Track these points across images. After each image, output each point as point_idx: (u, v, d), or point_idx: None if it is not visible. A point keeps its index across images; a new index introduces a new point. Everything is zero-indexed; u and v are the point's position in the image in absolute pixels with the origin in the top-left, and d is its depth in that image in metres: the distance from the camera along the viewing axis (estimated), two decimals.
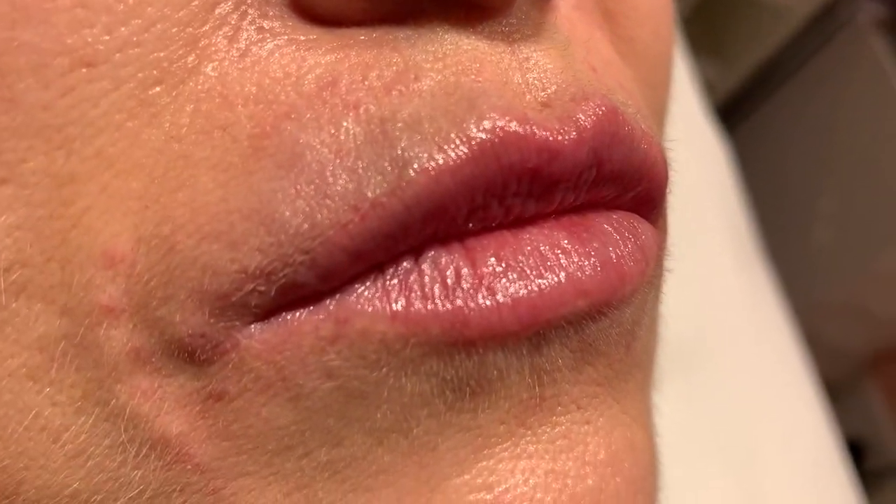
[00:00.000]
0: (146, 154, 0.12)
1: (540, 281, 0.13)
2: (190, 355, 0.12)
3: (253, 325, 0.12)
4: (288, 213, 0.12)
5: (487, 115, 0.12)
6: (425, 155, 0.12)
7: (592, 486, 0.14)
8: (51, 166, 0.12)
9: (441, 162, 0.12)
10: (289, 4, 0.13)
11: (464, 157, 0.12)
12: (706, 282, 0.51)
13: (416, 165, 0.12)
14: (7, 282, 0.12)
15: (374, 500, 0.13)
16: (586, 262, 0.13)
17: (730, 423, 0.48)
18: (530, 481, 0.13)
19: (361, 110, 0.12)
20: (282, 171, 0.12)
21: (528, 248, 0.13)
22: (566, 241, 0.13)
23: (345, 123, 0.12)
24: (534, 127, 0.12)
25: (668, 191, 0.16)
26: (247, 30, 0.12)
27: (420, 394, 0.12)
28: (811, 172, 1.14)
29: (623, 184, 0.14)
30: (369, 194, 0.12)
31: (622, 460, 0.14)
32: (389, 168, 0.12)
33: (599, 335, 0.14)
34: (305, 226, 0.12)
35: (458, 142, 0.12)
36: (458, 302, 0.12)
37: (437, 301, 0.12)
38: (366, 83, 0.12)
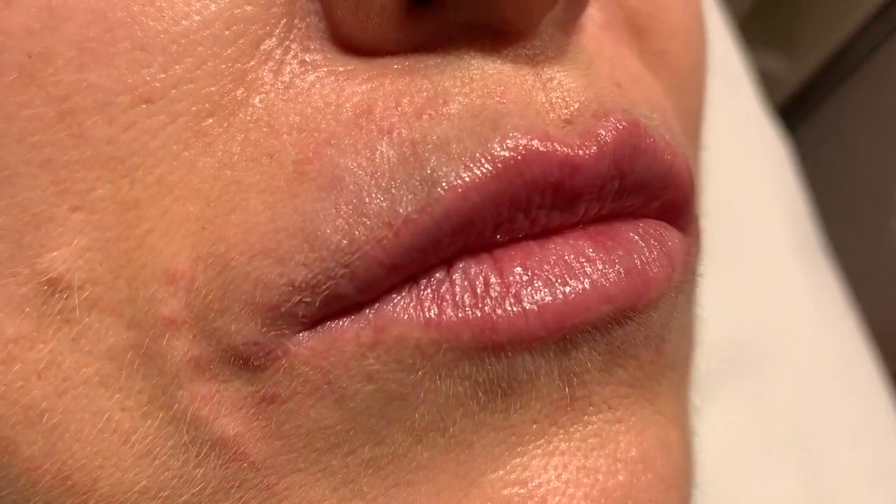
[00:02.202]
0: (202, 180, 0.13)
1: (565, 288, 0.13)
2: (245, 362, 0.13)
3: (301, 334, 0.13)
4: (329, 231, 0.13)
5: (510, 135, 0.13)
6: (453, 173, 0.13)
7: (623, 482, 0.14)
8: (117, 194, 0.13)
9: (467, 179, 0.13)
10: (329, 38, 0.14)
11: (489, 174, 0.13)
12: (767, 282, 0.50)
13: (444, 183, 0.13)
14: (80, 298, 0.13)
15: (415, 494, 0.14)
16: (611, 270, 0.14)
17: (795, 424, 0.47)
18: (563, 477, 0.14)
19: (395, 134, 0.13)
20: (323, 193, 0.13)
21: (554, 257, 0.14)
22: (591, 250, 0.14)
23: (379, 147, 0.13)
24: (555, 143, 0.13)
25: (694, 197, 0.16)
26: (290, 63, 0.13)
27: (454, 395, 0.13)
28: (885, 164, 1.11)
29: (648, 193, 0.15)
30: (402, 211, 0.13)
31: (654, 458, 0.15)
32: (420, 186, 0.13)
33: (627, 338, 0.14)
34: (345, 242, 0.13)
35: (483, 160, 0.13)
36: (487, 309, 0.13)
37: (468, 309, 0.13)
38: (399, 109, 0.13)
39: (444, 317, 0.13)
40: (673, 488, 0.15)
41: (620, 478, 0.14)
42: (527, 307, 0.13)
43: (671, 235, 0.15)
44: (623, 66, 0.16)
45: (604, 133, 0.14)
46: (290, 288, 0.13)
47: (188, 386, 0.13)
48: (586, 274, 0.14)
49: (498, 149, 0.13)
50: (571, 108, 0.14)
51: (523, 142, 0.13)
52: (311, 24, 0.14)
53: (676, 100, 0.18)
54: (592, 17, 0.16)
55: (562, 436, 0.14)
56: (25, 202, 0.13)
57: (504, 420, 0.14)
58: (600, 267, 0.14)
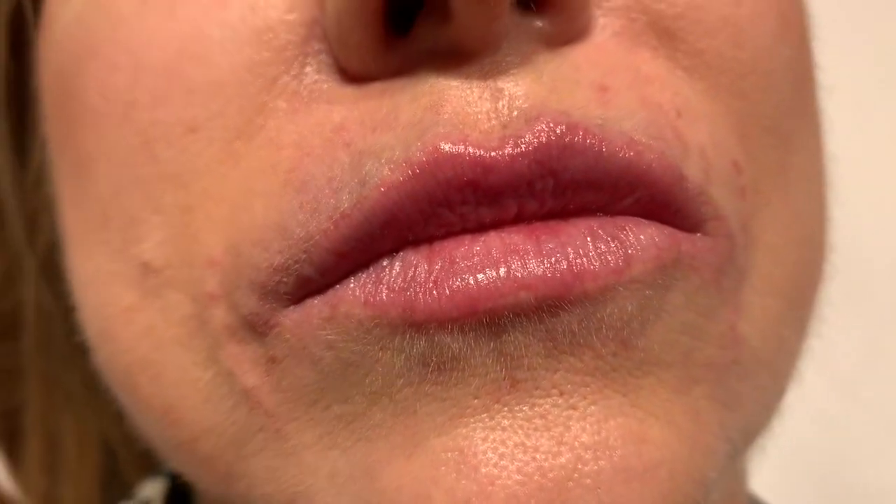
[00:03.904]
0: (230, 189, 0.17)
1: (479, 275, 0.15)
2: (253, 329, 0.17)
3: (288, 308, 0.16)
4: (294, 225, 0.16)
5: (430, 141, 0.15)
6: (378, 176, 0.15)
7: (565, 464, 0.15)
8: (177, 200, 0.18)
9: (390, 180, 0.15)
10: (335, 70, 0.17)
11: (407, 175, 0.15)
12: None
13: (371, 184, 0.15)
14: (162, 278, 0.18)
15: (373, 449, 0.16)
16: (534, 260, 0.15)
17: None
18: (499, 450, 0.15)
19: (352, 146, 0.16)
20: (294, 195, 0.16)
21: (478, 247, 0.15)
22: (520, 243, 0.15)
23: (339, 157, 0.16)
24: (470, 146, 0.15)
25: (688, 194, 0.16)
26: (301, 93, 0.17)
27: (394, 365, 0.16)
28: None
29: (608, 190, 0.16)
30: (341, 207, 0.15)
31: (613, 447, 0.15)
32: (356, 187, 0.15)
33: (568, 328, 0.15)
34: (303, 233, 0.16)
35: (404, 164, 0.15)
36: (410, 292, 0.15)
37: (397, 291, 0.15)
38: (362, 125, 0.16)
39: (378, 297, 0.15)
40: (637, 481, 0.15)
41: (562, 460, 0.15)
42: (443, 290, 0.15)
43: (639, 231, 0.16)
44: (626, 69, 0.17)
45: (528, 135, 0.15)
46: (272, 269, 0.16)
47: (225, 346, 0.17)
48: (506, 263, 0.15)
49: (417, 153, 0.15)
50: (512, 115, 0.15)
51: (442, 146, 0.15)
52: (321, 61, 0.17)
53: (728, 100, 0.18)
54: (604, 25, 0.17)
55: (505, 413, 0.15)
56: (128, 208, 0.18)
57: (444, 392, 0.16)
58: (523, 257, 0.15)
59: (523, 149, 0.15)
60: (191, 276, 0.18)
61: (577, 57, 0.16)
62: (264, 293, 0.16)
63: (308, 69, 0.17)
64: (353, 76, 0.17)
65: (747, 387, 0.18)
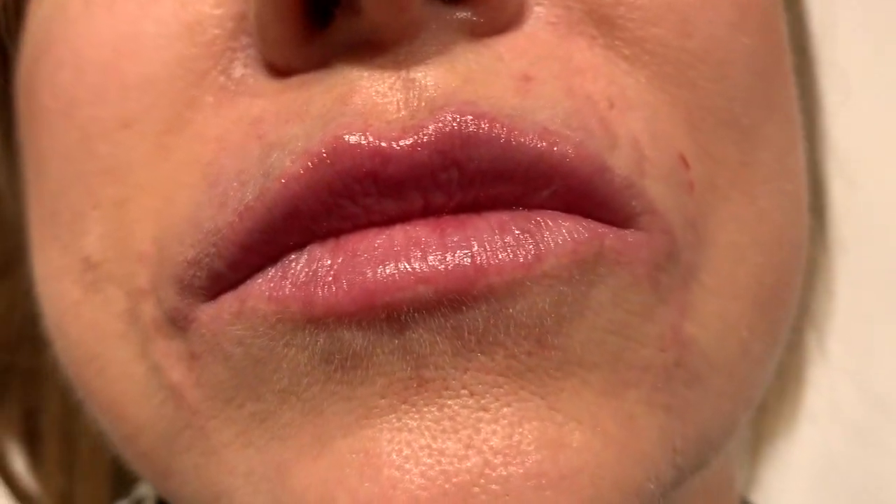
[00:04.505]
0: (161, 181, 0.17)
1: (378, 269, 0.14)
2: (174, 324, 0.17)
3: (205, 303, 0.16)
4: (204, 218, 0.16)
5: (332, 132, 0.15)
6: (280, 168, 0.15)
7: (471, 468, 0.14)
8: (114, 195, 0.18)
9: (290, 171, 0.15)
10: (263, 65, 0.17)
11: (306, 166, 0.15)
12: None
13: (273, 176, 0.15)
14: (103, 273, 0.18)
15: (284, 448, 0.16)
16: (436, 254, 0.14)
17: None
18: (404, 452, 0.15)
19: (264, 139, 0.16)
20: (207, 188, 0.16)
21: (380, 241, 0.15)
22: (424, 236, 0.15)
23: (250, 150, 0.16)
24: (369, 137, 0.14)
25: (610, 186, 0.15)
26: (227, 87, 0.17)
27: (299, 362, 0.15)
28: None
29: (520, 181, 0.15)
30: (245, 200, 0.15)
31: (526, 452, 0.15)
32: (261, 179, 0.15)
33: (474, 325, 0.15)
34: (212, 226, 0.16)
35: (305, 155, 0.15)
36: (311, 286, 0.15)
37: (298, 286, 0.15)
38: (277, 117, 0.16)
39: (282, 292, 0.15)
40: (550, 489, 0.14)
41: (468, 464, 0.14)
42: (340, 284, 0.14)
43: (554, 224, 0.15)
44: (555, 59, 0.16)
45: (431, 125, 0.14)
46: (186, 263, 0.16)
47: (154, 341, 0.17)
48: (406, 257, 0.14)
49: (317, 144, 0.15)
50: (420, 105, 0.15)
51: (344, 137, 0.15)
52: (249, 55, 0.17)
53: (675, 90, 0.17)
54: (539, 14, 0.17)
55: (413, 414, 0.15)
56: (72, 203, 0.19)
57: (350, 391, 0.15)
58: (424, 250, 0.14)
59: (424, 139, 0.14)
60: (125, 271, 0.18)
61: (502, 47, 0.16)
62: (182, 288, 0.16)
63: (236, 63, 0.17)
64: (278, 70, 0.16)
65: (698, 392, 0.17)
